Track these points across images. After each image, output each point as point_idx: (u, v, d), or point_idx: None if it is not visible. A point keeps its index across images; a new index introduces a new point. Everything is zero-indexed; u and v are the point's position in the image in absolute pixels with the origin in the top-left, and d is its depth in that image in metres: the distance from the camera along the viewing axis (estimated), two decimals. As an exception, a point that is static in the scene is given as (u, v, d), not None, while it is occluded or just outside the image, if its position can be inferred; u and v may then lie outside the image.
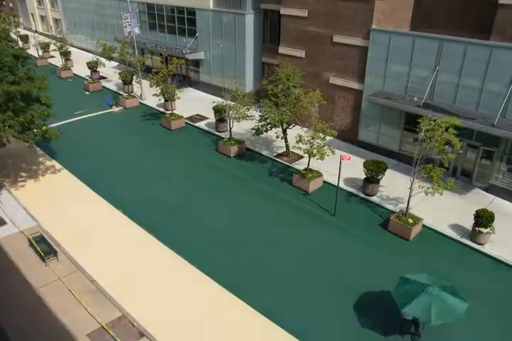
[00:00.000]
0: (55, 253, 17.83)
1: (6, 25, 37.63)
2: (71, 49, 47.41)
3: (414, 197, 19.01)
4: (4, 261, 17.78)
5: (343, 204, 21.49)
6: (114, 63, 38.64)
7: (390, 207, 21.28)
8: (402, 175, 23.31)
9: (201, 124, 31.58)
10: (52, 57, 49.13)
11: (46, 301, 15.78)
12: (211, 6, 33.57)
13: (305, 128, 22.15)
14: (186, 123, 31.72)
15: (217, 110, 28.80)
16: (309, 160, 22.77)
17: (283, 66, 25.02)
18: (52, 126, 23.92)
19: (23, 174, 24.30)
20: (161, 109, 33.70)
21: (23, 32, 58.39)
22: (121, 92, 37.60)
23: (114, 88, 39.28)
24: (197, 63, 37.23)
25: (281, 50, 29.93)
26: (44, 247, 17.98)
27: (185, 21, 36.21)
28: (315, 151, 21.27)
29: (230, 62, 33.94)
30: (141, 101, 36.13)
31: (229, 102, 26.00)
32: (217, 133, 29.74)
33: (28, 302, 15.74)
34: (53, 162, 25.79)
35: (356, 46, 25.50)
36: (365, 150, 26.81)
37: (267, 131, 25.09)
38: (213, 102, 29.71)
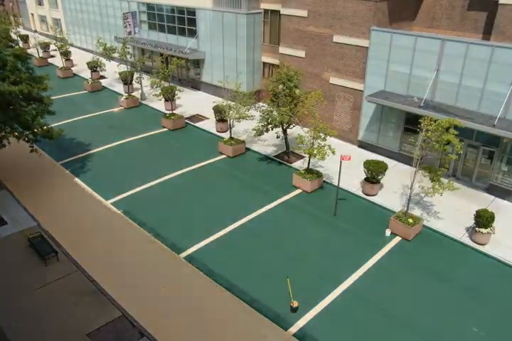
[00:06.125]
0: (55, 253, 17.81)
1: (7, 25, 37.59)
2: (71, 49, 47.42)
3: (415, 197, 19.01)
4: (4, 261, 17.76)
5: (344, 204, 21.48)
6: (115, 63, 38.62)
7: (390, 207, 21.27)
8: (402, 175, 23.28)
9: (201, 124, 31.57)
10: (52, 57, 49.14)
11: (46, 301, 15.77)
12: (210, 6, 33.56)
13: (305, 129, 22.15)
14: (186, 123, 31.72)
15: (218, 110, 28.79)
16: (309, 160, 22.77)
17: (284, 66, 25.03)
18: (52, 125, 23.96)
19: (24, 174, 24.28)
20: (161, 109, 33.68)
21: (23, 32, 58.38)
22: (121, 92, 37.63)
23: (114, 88, 39.31)
24: (197, 63, 37.23)
25: (282, 50, 29.93)
26: (44, 247, 17.95)
27: (185, 21, 36.19)
28: (315, 151, 21.27)
29: (231, 62, 33.93)
30: (141, 101, 36.13)
31: (229, 102, 25.99)
32: (218, 133, 29.73)
33: (28, 303, 15.72)
34: (53, 162, 25.80)
35: (356, 46, 25.49)
36: (365, 150, 26.82)
37: (267, 131, 25.07)
38: (213, 102, 29.68)
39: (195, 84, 38.54)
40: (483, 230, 18.40)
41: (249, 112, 25.87)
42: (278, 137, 25.33)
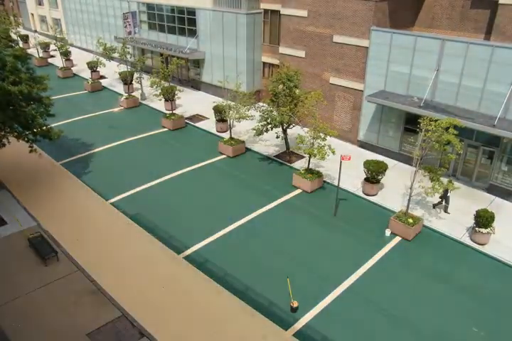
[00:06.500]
0: (55, 253, 17.80)
1: (7, 25, 37.61)
2: (71, 49, 47.43)
3: (415, 197, 19.01)
4: (4, 261, 17.77)
5: (344, 204, 21.49)
6: (115, 63, 38.63)
7: (390, 207, 21.26)
8: (402, 175, 23.29)
9: (201, 124, 31.57)
10: (52, 57, 49.14)
11: (46, 301, 15.77)
12: (210, 6, 33.56)
13: (305, 128, 22.15)
14: (186, 123, 31.72)
15: (218, 110, 28.79)
16: (309, 160, 22.78)
17: (284, 66, 25.03)
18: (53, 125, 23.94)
19: (24, 174, 24.27)
20: (161, 109, 33.69)
21: (23, 32, 58.39)
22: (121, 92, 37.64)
23: (114, 88, 39.31)
24: (197, 63, 37.23)
25: (282, 50, 29.93)
26: (44, 247, 17.95)
27: (185, 21, 36.20)
28: (315, 151, 21.27)
29: (231, 62, 33.93)
30: (141, 101, 36.13)
31: (229, 102, 26.00)
32: (218, 133, 29.74)
33: (28, 303, 15.72)
34: (53, 161, 25.80)
35: (356, 46, 25.50)
36: (365, 150, 26.83)
37: (267, 131, 25.08)
38: (213, 102, 29.67)
39: (195, 84, 38.55)
40: (483, 230, 18.40)
41: (249, 112, 25.87)
42: (278, 137, 25.32)
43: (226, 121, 28.38)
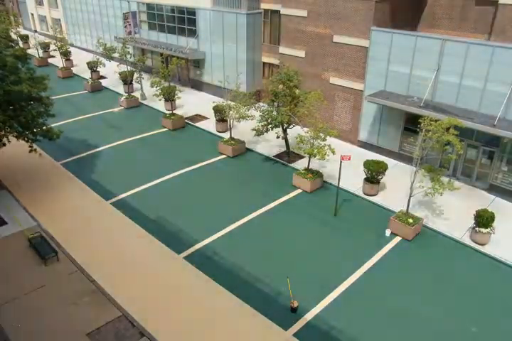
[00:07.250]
0: (55, 253, 17.80)
1: (7, 25, 37.58)
2: (71, 49, 47.44)
3: (415, 197, 19.02)
4: (4, 261, 17.76)
5: (344, 204, 21.49)
6: (115, 63, 38.63)
7: (390, 207, 21.26)
8: (403, 175, 23.23)
9: (201, 124, 31.58)
10: (52, 57, 49.14)
11: (46, 301, 15.77)
12: (210, 6, 33.55)
13: (305, 128, 22.15)
14: (186, 123, 31.73)
15: (218, 110, 28.79)
16: (309, 160, 22.77)
17: (284, 66, 25.04)
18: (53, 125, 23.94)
19: (24, 174, 24.26)
20: (162, 109, 33.69)
21: (23, 32, 58.38)
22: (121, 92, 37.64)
23: (114, 88, 39.30)
24: (197, 63, 37.23)
25: (282, 50, 29.93)
26: (44, 247, 17.95)
27: (185, 21, 36.21)
28: (315, 151, 21.26)
29: (231, 62, 33.93)
30: (141, 101, 36.12)
31: (229, 102, 25.99)
32: (218, 133, 29.73)
33: (28, 303, 15.72)
34: (53, 162, 25.79)
35: (356, 46, 25.50)
36: (365, 150, 26.82)
37: (267, 131, 25.08)
38: (213, 102, 29.68)
39: (196, 84, 38.54)
40: (483, 230, 18.40)
41: (249, 112, 25.85)
42: (278, 137, 25.32)
43: (226, 121, 28.38)
